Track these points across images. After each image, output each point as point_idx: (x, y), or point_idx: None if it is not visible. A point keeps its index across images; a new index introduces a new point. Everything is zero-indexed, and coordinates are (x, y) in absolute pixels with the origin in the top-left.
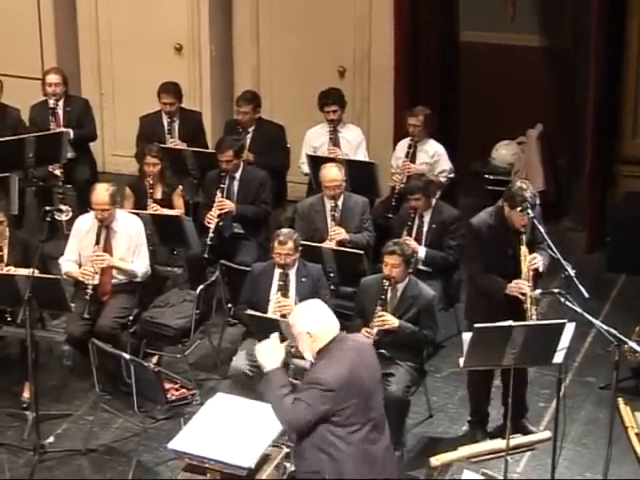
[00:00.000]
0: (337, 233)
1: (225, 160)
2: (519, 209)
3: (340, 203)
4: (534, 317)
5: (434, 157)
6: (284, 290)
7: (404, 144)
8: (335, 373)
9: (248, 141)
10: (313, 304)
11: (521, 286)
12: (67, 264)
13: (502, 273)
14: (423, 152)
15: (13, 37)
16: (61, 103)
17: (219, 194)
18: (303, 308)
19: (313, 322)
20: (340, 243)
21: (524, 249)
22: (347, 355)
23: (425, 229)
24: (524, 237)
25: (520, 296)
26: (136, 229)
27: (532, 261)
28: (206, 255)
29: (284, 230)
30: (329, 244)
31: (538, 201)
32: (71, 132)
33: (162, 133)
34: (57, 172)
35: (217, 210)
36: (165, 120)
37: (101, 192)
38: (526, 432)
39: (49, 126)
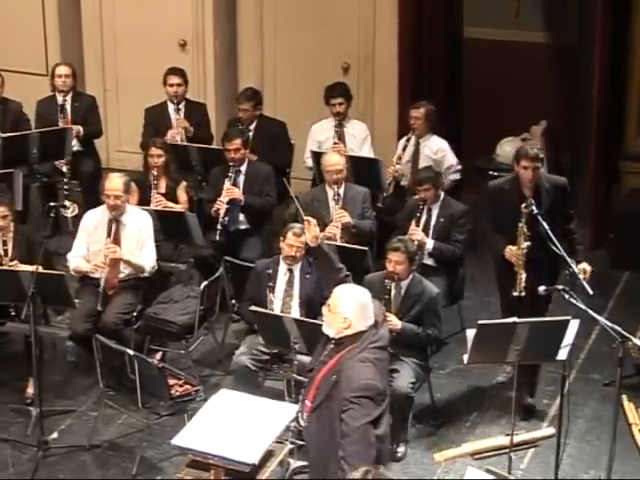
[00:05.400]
0: (342, 215)
1: (233, 149)
2: (523, 158)
3: (341, 192)
4: (522, 281)
5: (437, 153)
6: (289, 287)
7: (405, 142)
8: (376, 376)
9: (250, 138)
10: (362, 293)
11: (510, 254)
12: (75, 259)
13: (510, 237)
14: (427, 148)
15: (17, 33)
16: (69, 98)
17: (227, 182)
18: (352, 293)
19: (354, 310)
20: (344, 227)
21: (521, 225)
22: (382, 357)
23: (433, 222)
24: (524, 214)
25: (512, 261)
26: (145, 223)
27: (523, 244)
28: (217, 238)
29: (298, 224)
30: (334, 228)
31: (542, 155)
32: (81, 129)
33: (168, 122)
34: (64, 169)
35: (226, 197)
36: (171, 108)
37: (115, 179)
38: (532, 410)
39: (56, 121)
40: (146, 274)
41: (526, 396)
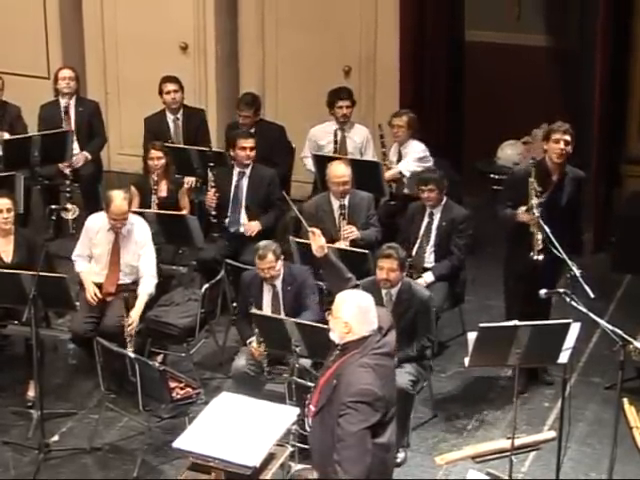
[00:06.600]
0: (350, 232)
1: (250, 147)
2: (555, 131)
3: (346, 203)
4: (539, 241)
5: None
6: (275, 302)
7: (394, 149)
8: (375, 382)
9: None
10: (363, 298)
11: (521, 214)
12: (80, 262)
13: None
14: (409, 155)
15: (19, 36)
16: (72, 102)
17: (210, 174)
18: (352, 298)
19: (355, 315)
20: (352, 242)
21: (531, 180)
22: (384, 364)
23: (435, 225)
24: (534, 170)
25: (526, 221)
26: (143, 233)
27: (535, 200)
28: (216, 234)
29: (261, 243)
30: (343, 244)
31: (572, 131)
32: (89, 156)
33: (167, 131)
34: (66, 171)
35: (214, 195)
36: (169, 118)
37: (119, 201)
38: (550, 383)
39: (60, 125)
40: (153, 293)
41: (542, 373)
